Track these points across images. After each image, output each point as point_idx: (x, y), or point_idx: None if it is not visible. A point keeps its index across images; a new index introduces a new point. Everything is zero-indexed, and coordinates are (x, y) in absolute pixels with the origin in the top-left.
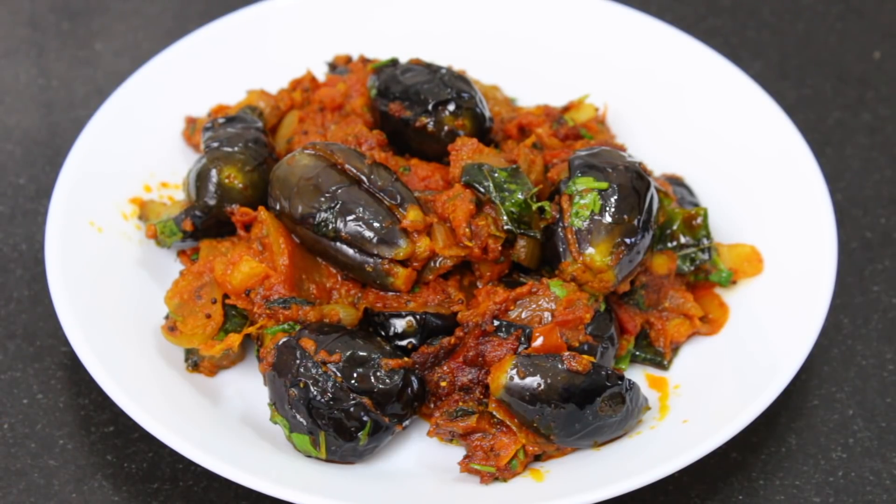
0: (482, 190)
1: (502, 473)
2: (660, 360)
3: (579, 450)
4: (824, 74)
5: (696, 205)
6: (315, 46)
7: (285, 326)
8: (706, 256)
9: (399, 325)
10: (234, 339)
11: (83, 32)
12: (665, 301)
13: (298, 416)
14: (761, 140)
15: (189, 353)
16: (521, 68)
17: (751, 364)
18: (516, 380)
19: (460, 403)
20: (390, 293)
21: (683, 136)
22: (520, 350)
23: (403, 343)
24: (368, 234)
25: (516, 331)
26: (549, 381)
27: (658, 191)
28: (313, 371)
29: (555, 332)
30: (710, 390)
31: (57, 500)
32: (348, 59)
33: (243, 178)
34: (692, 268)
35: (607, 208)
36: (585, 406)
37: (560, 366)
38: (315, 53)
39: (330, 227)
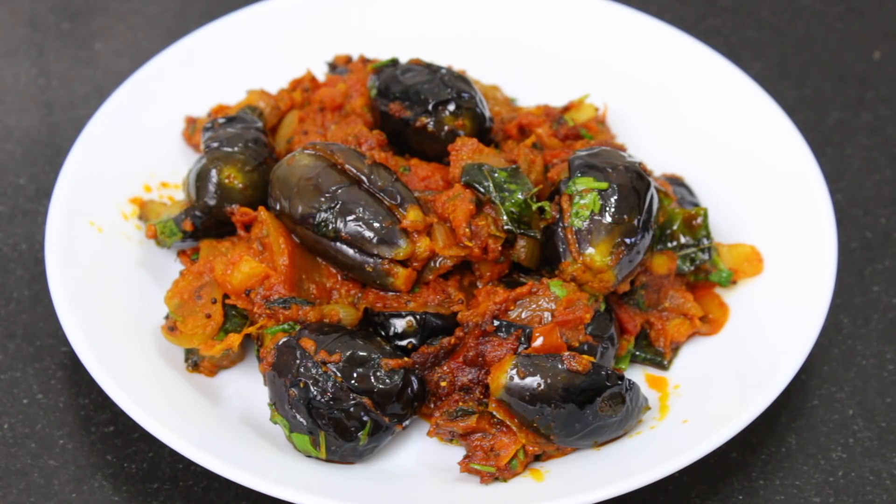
0: (482, 190)
1: (502, 473)
2: (660, 360)
3: (579, 450)
4: (824, 74)
5: (696, 205)
6: (315, 46)
7: (285, 326)
8: (706, 256)
9: (399, 325)
10: (234, 339)
11: (83, 32)
12: (665, 301)
13: (298, 416)
14: (761, 140)
15: (189, 353)
16: (522, 68)
17: (751, 364)
18: (516, 380)
19: (460, 403)
20: (390, 293)
21: (683, 136)
22: (520, 350)
23: (403, 343)
24: (368, 234)
25: (516, 331)
26: (549, 381)
27: (658, 191)
28: (313, 371)
29: (555, 332)
30: (710, 390)
31: (57, 500)
32: (348, 59)
33: (243, 178)
34: (692, 268)
35: (607, 208)
36: (585, 406)
37: (560, 366)
38: (315, 53)
39: (330, 227)
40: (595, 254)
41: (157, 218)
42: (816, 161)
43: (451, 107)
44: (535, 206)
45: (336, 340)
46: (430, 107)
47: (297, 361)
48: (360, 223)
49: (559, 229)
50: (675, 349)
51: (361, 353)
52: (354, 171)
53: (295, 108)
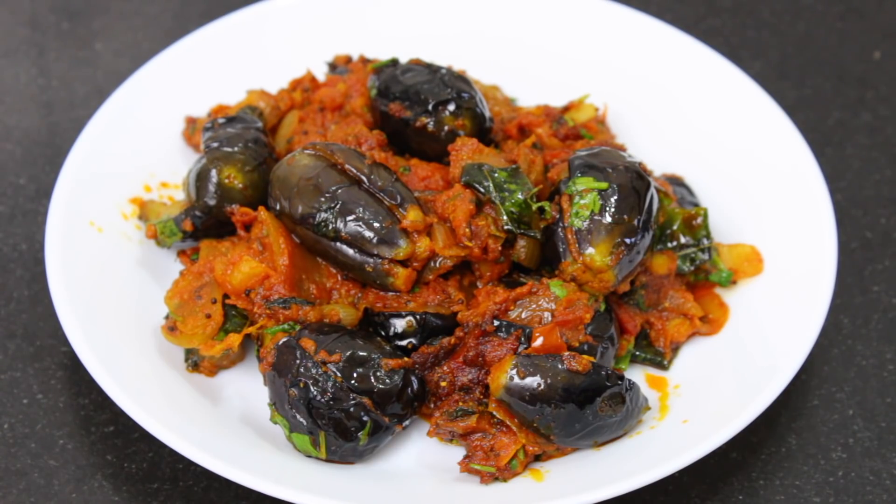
0: (482, 190)
1: (502, 473)
2: (660, 360)
3: (579, 450)
4: (824, 74)
5: (696, 205)
6: (315, 46)
7: (285, 326)
8: (706, 256)
9: (399, 325)
10: (234, 339)
11: (83, 32)
12: (665, 301)
13: (298, 416)
14: (761, 140)
15: (189, 353)
16: (522, 68)
17: (751, 364)
18: (516, 380)
19: (460, 403)
20: (390, 293)
21: (683, 136)
22: (520, 350)
23: (403, 343)
24: (368, 234)
25: (516, 331)
26: (549, 381)
27: (658, 191)
28: (313, 371)
29: (555, 332)
30: (710, 390)
31: (57, 500)
32: (348, 59)
33: (243, 178)
34: (692, 268)
35: (607, 208)
36: (585, 406)
37: (560, 366)
38: (315, 53)
39: (330, 227)
40: (595, 254)
41: (157, 218)
42: (816, 161)
43: (451, 107)
44: (535, 206)
45: (336, 340)
46: (430, 107)
47: (297, 361)
48: (360, 223)
49: (559, 229)
50: (675, 349)
51: (361, 353)
52: (354, 171)
53: (295, 108)
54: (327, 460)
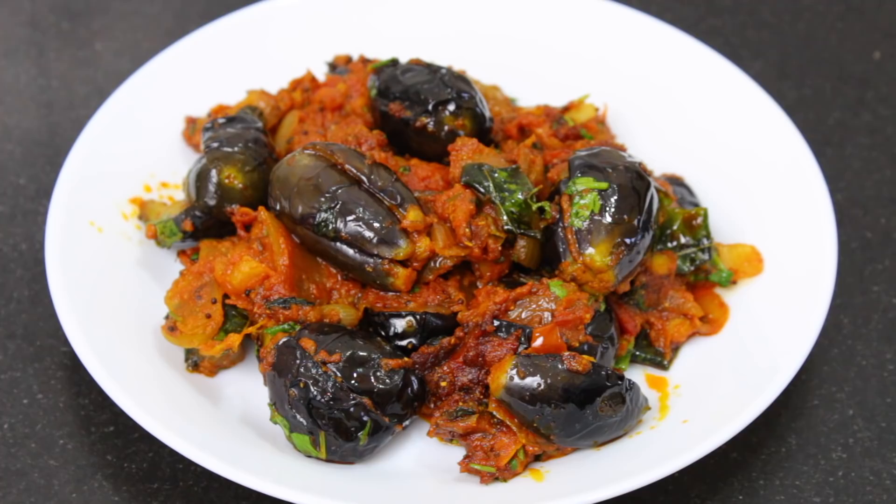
0: (482, 190)
1: (502, 473)
2: (660, 360)
3: (579, 450)
4: (824, 74)
5: (696, 205)
6: (315, 46)
7: (285, 326)
8: (706, 256)
9: (399, 325)
10: (234, 339)
11: (83, 32)
12: (665, 301)
13: (298, 416)
14: (761, 140)
15: (189, 353)
16: (521, 69)
17: (751, 364)
18: (516, 380)
19: (460, 403)
20: (390, 293)
21: (683, 136)
22: (520, 350)
23: (403, 343)
24: (368, 234)
25: (516, 331)
26: (549, 381)
27: (658, 191)
28: (313, 371)
29: (555, 332)
30: (710, 390)
31: (57, 500)
32: (348, 59)
33: (243, 178)
34: (692, 268)
35: (607, 208)
36: (585, 406)
37: (560, 366)
38: (315, 53)
39: (330, 227)
40: (595, 254)
41: (157, 218)
42: (816, 161)
43: (451, 107)
44: (535, 206)
45: (336, 340)
46: (430, 107)
47: (297, 361)
48: (360, 223)
49: (559, 229)
50: (675, 349)
51: (361, 353)
52: (354, 171)
53: (295, 108)
54: (327, 460)
